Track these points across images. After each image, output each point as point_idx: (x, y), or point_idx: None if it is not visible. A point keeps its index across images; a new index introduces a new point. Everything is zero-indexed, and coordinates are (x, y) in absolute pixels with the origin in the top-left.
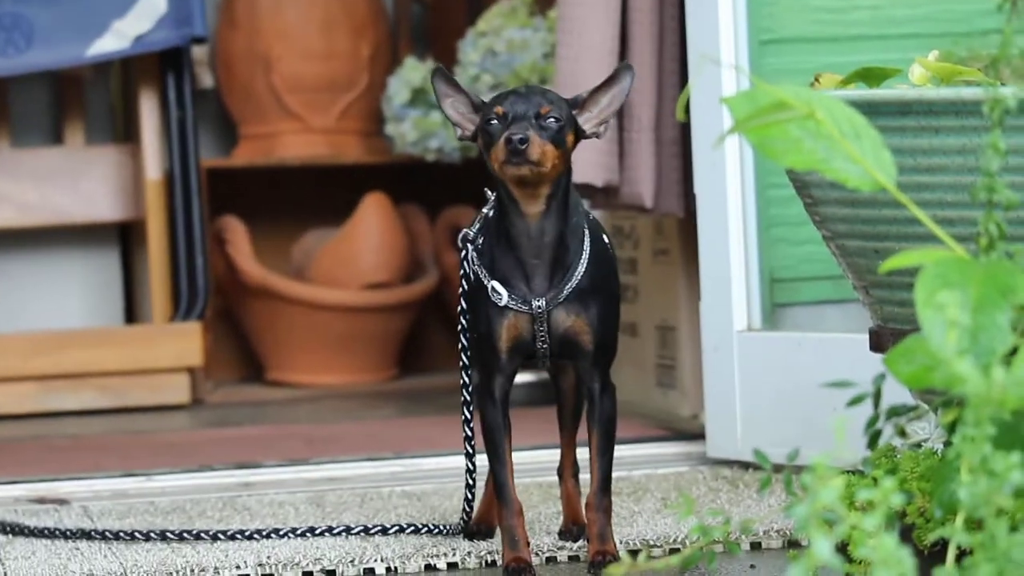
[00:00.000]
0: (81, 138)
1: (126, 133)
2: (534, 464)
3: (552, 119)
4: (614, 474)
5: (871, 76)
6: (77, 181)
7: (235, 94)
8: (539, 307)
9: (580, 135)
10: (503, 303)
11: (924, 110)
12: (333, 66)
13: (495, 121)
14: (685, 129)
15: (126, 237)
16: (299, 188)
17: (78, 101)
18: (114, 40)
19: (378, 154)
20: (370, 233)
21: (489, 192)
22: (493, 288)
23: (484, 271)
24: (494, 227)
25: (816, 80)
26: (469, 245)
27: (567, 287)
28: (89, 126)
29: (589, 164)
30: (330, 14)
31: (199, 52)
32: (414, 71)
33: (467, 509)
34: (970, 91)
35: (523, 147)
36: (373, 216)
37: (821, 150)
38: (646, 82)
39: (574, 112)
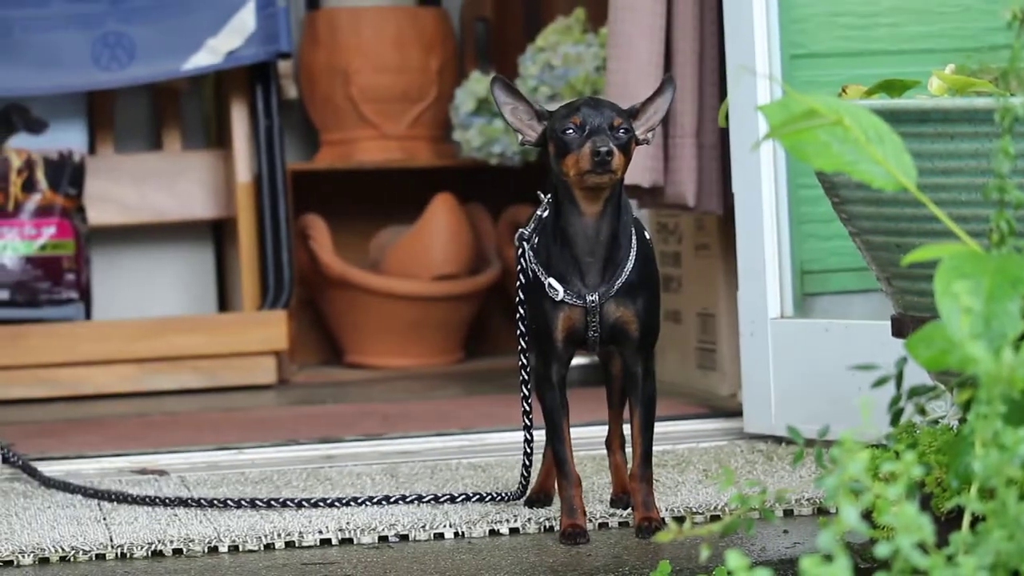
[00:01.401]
0: (178, 144)
1: (219, 139)
2: (588, 439)
3: (623, 130)
4: (659, 448)
5: (893, 87)
6: (174, 183)
7: (317, 104)
8: (592, 301)
9: (637, 142)
10: (559, 298)
11: (941, 118)
12: (405, 79)
13: (572, 131)
14: (724, 134)
15: (219, 234)
16: (375, 189)
17: (175, 111)
18: (208, 56)
19: (446, 158)
20: (439, 230)
21: (542, 195)
22: (550, 284)
23: (540, 268)
24: (550, 227)
25: (843, 91)
26: (525, 244)
27: (617, 282)
28: (185, 133)
29: (637, 167)
30: (403, 32)
31: (284, 66)
32: (479, 83)
33: (525, 475)
34: (982, 101)
35: (610, 159)
36: (442, 214)
37: (848, 154)
38: (688, 92)
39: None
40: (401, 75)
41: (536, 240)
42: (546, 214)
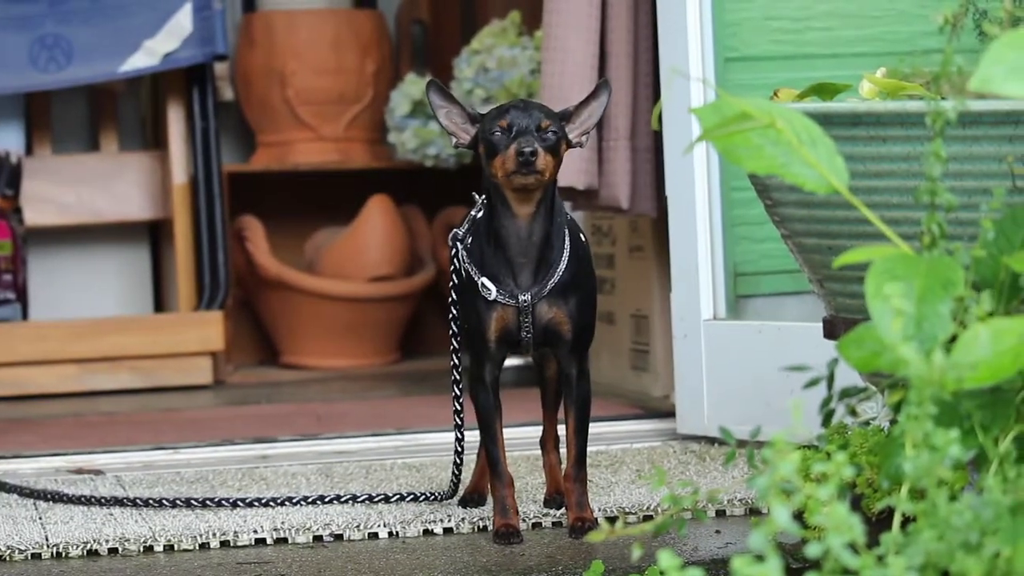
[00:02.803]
0: (115, 145)
1: (155, 141)
2: (522, 439)
3: (551, 132)
4: (593, 448)
5: (825, 90)
6: (111, 184)
7: (253, 106)
8: (524, 301)
9: (568, 145)
10: (492, 298)
11: (873, 121)
12: (341, 81)
13: (499, 133)
14: (658, 137)
15: (155, 235)
16: (311, 191)
17: (112, 112)
18: (145, 57)
19: (382, 160)
20: (374, 231)
21: (477, 196)
22: (483, 284)
23: (474, 268)
24: (483, 228)
25: (775, 94)
26: (459, 244)
27: (550, 283)
28: (122, 135)
29: (571, 169)
30: (339, 34)
31: (221, 68)
32: (414, 86)
33: (456, 474)
34: (914, 104)
35: (533, 159)
36: (377, 216)
37: (781, 156)
38: (622, 95)
39: (563, 124)
40: (337, 77)
41: (470, 241)
42: (480, 215)
